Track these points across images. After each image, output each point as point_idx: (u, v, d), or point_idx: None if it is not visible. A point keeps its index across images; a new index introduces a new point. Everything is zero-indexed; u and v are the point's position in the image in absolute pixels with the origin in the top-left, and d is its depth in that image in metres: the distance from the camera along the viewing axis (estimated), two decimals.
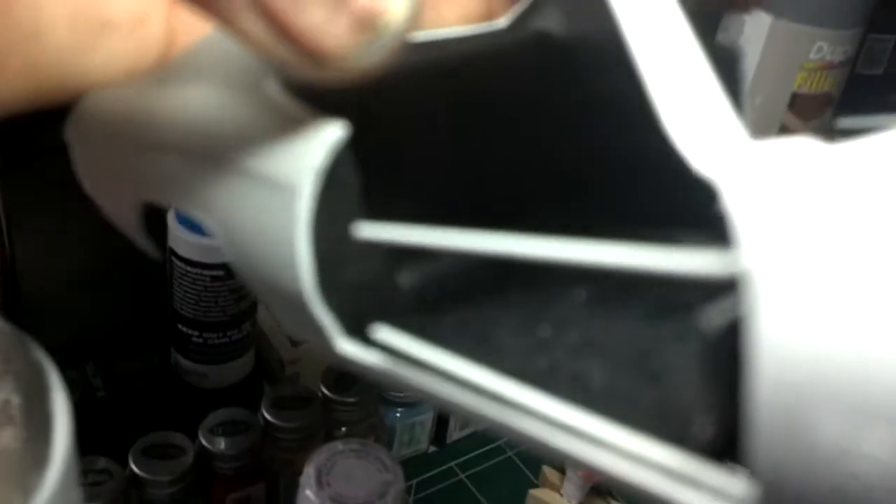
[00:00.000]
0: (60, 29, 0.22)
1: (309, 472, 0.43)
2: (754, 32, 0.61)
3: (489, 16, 0.28)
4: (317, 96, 0.22)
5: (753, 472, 0.15)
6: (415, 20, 0.19)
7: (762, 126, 0.63)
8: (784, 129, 0.63)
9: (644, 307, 0.22)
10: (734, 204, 0.13)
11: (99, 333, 0.54)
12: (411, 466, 0.57)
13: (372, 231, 0.22)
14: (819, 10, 0.60)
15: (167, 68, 0.26)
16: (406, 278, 0.25)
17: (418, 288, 0.24)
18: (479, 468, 0.58)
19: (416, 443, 0.59)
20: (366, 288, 0.23)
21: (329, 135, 0.21)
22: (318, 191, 0.21)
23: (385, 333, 0.22)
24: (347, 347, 0.22)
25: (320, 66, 0.19)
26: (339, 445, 0.44)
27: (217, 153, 0.24)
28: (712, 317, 0.15)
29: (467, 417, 0.20)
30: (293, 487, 0.44)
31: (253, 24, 0.18)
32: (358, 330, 0.23)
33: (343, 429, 0.52)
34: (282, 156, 0.22)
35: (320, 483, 0.42)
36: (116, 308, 0.54)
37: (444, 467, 0.58)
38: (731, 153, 0.13)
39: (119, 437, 0.47)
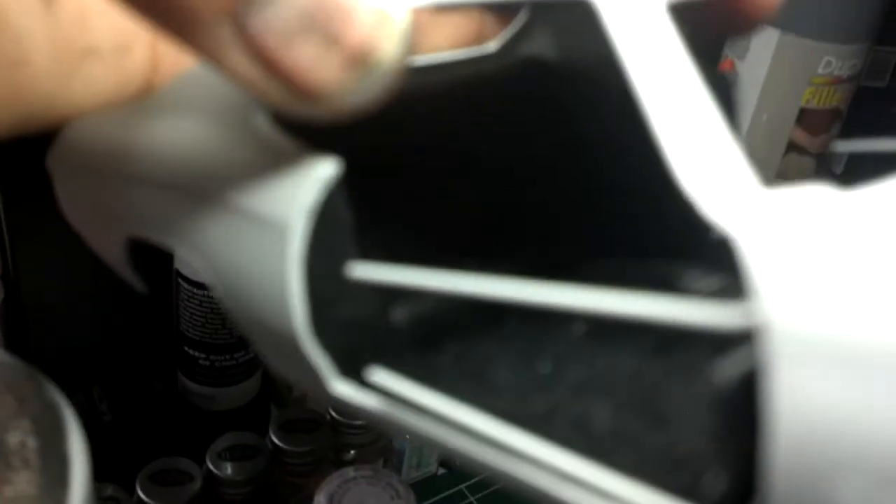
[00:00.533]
0: (43, 57, 0.21)
1: (320, 500, 0.42)
2: (761, 47, 0.61)
3: (480, 39, 0.28)
4: (307, 131, 0.21)
5: None
6: (408, 55, 0.18)
7: (770, 142, 0.62)
8: (792, 145, 0.62)
9: (649, 340, 0.21)
10: (750, 255, 0.12)
11: (104, 357, 0.53)
12: (421, 489, 0.56)
13: (365, 271, 0.21)
14: (827, 24, 0.60)
15: (152, 99, 0.25)
16: (400, 314, 0.24)
17: (413, 323, 0.23)
18: (488, 491, 0.57)
19: (425, 465, 0.58)
20: (360, 327, 0.22)
21: (321, 171, 0.20)
22: (309, 229, 0.20)
23: (380, 376, 0.21)
24: (342, 389, 0.21)
25: (311, 104, 0.18)
26: (350, 472, 0.44)
27: (204, 188, 0.23)
28: (725, 368, 0.15)
29: (466, 463, 0.19)
30: None
31: (240, 61, 0.17)
32: (352, 370, 0.22)
33: (352, 452, 0.52)
34: (273, 193, 0.21)
35: None
36: (122, 331, 0.54)
37: (453, 490, 0.58)
38: (745, 203, 0.13)
39: (126, 463, 0.46)
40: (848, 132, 0.64)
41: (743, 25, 0.25)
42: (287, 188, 0.21)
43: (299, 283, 0.20)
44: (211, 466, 0.47)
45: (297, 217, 0.20)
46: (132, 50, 0.22)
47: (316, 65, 0.17)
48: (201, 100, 0.20)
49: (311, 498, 0.43)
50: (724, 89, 0.26)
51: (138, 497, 0.45)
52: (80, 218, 0.28)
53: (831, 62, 0.60)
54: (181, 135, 0.24)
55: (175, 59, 0.24)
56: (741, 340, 0.13)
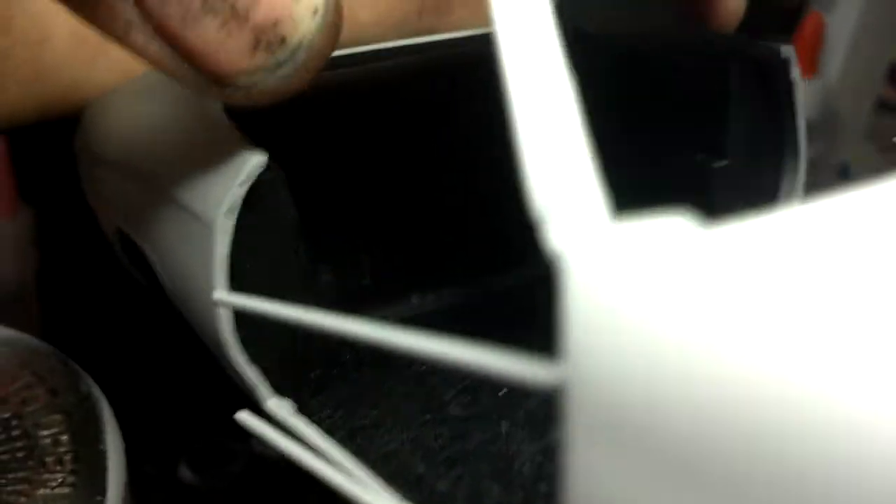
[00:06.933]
0: (64, 37, 0.21)
1: None
2: None
3: (404, 14, 0.27)
4: (249, 117, 0.19)
5: None
6: (327, 36, 0.17)
7: (858, 100, 0.58)
8: (882, 104, 0.58)
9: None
10: (567, 313, 0.11)
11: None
12: None
13: (229, 298, 0.19)
14: None
15: (137, 81, 0.24)
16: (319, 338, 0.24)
17: (333, 348, 0.23)
18: None
19: None
20: (283, 348, 0.21)
21: (249, 167, 0.19)
22: (231, 228, 0.19)
23: (276, 405, 0.21)
24: (275, 408, 0.21)
25: (224, 88, 0.17)
26: None
27: (156, 176, 0.22)
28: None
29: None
30: None
31: (148, 41, 0.16)
32: (284, 391, 0.21)
33: None
34: (204, 187, 0.20)
35: None
36: None
37: None
38: (585, 240, 0.11)
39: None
40: None
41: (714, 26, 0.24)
42: (216, 183, 0.19)
43: (225, 288, 0.19)
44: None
45: (220, 215, 0.19)
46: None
47: (223, 45, 0.16)
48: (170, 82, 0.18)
49: None
50: (780, 66, 0.25)
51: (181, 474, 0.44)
52: (94, 203, 0.27)
53: None
54: (146, 120, 0.23)
55: None
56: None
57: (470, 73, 0.23)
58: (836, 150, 0.58)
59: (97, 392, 0.23)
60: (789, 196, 0.26)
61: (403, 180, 0.26)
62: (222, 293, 0.19)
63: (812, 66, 0.54)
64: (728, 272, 0.10)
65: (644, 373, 0.10)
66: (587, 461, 0.11)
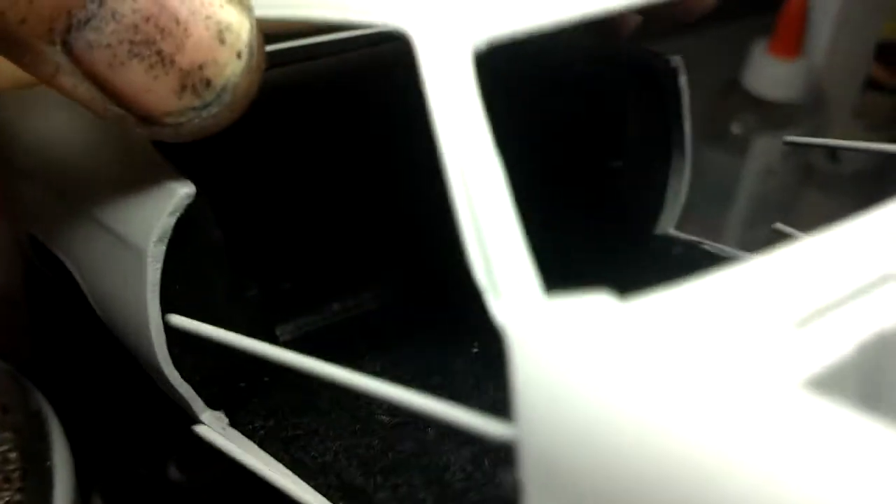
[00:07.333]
0: None
1: None
2: None
3: None
4: (174, 146, 0.19)
5: None
6: (251, 77, 0.17)
7: (846, 80, 0.57)
8: (870, 83, 0.57)
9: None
10: (514, 369, 0.13)
11: None
12: None
13: (178, 321, 0.20)
14: None
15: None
16: (286, 333, 0.25)
17: (295, 346, 0.23)
18: None
19: None
20: (214, 366, 0.21)
21: (177, 198, 0.19)
22: (161, 255, 0.19)
23: (210, 418, 0.21)
24: (209, 420, 0.21)
25: (153, 126, 0.17)
26: None
27: (77, 193, 0.22)
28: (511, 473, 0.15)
29: None
30: None
31: (76, 84, 0.16)
32: (219, 405, 0.22)
33: None
34: (131, 213, 0.20)
35: None
36: None
37: None
38: (523, 312, 0.13)
39: None
40: None
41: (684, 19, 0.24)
42: (146, 210, 0.20)
43: (157, 312, 0.20)
44: None
45: (151, 243, 0.19)
46: None
47: (150, 88, 0.16)
48: None
49: None
50: (669, 73, 0.26)
51: None
52: (3, 202, 0.27)
53: None
54: (61, 133, 0.23)
55: None
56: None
57: (380, 73, 0.24)
58: (824, 130, 0.57)
59: (47, 409, 0.24)
60: (677, 191, 0.28)
61: (321, 185, 0.26)
62: (155, 317, 0.20)
63: (797, 47, 0.53)
64: (640, 341, 0.12)
65: (579, 429, 0.12)
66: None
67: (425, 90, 0.16)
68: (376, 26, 0.17)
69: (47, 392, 0.24)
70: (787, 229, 0.26)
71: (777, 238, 0.26)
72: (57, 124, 0.23)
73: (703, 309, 0.13)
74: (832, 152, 0.58)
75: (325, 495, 0.20)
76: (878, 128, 0.57)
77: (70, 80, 0.16)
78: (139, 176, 0.20)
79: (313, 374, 0.17)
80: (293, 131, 0.25)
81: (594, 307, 0.13)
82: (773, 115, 0.55)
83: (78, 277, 0.22)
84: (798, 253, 0.14)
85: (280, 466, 0.20)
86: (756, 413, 0.11)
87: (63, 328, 0.27)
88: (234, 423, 0.22)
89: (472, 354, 0.24)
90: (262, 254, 0.24)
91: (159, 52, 0.16)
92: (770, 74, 0.54)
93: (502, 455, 0.19)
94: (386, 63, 0.23)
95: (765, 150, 0.55)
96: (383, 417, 0.22)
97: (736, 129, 0.55)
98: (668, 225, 0.29)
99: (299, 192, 0.25)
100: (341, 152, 0.26)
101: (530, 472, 0.13)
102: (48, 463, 0.23)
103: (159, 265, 0.20)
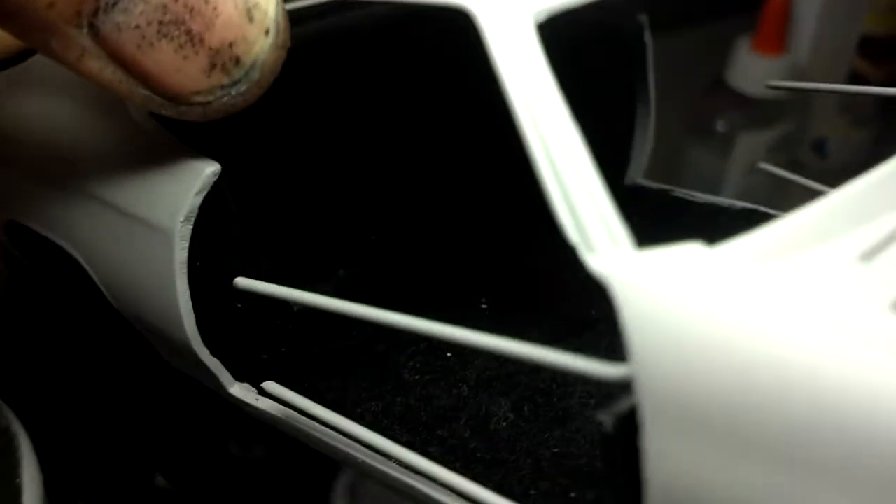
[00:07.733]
0: None
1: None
2: None
3: None
4: (189, 127, 0.20)
5: None
6: (278, 54, 0.17)
7: (831, 73, 0.57)
8: (854, 77, 0.57)
9: (548, 326, 0.23)
10: (627, 316, 0.14)
11: None
12: None
13: (248, 284, 0.20)
14: None
15: (26, 69, 0.24)
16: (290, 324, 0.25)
17: (314, 317, 0.23)
18: None
19: None
20: (249, 335, 0.22)
21: (205, 175, 0.20)
22: (189, 234, 0.20)
23: (273, 386, 0.22)
24: (239, 392, 0.22)
25: (180, 107, 0.17)
26: None
27: (78, 176, 0.22)
28: (610, 412, 0.15)
29: (362, 471, 0.20)
30: None
31: (102, 67, 0.16)
32: (247, 376, 0.22)
33: None
34: (155, 196, 0.20)
35: None
36: None
37: None
38: (623, 264, 0.14)
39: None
40: None
41: None
42: (169, 192, 0.20)
43: (186, 289, 0.20)
44: None
45: (179, 223, 0.20)
46: None
47: (180, 68, 0.16)
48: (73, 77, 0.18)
49: None
50: (632, 33, 0.27)
51: None
52: None
53: None
54: (48, 114, 0.23)
55: None
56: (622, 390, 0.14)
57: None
58: (810, 125, 0.57)
59: (16, 425, 0.24)
60: (644, 141, 0.29)
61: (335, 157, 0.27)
62: (184, 294, 0.20)
63: (780, 43, 0.53)
64: (738, 279, 0.13)
65: (697, 358, 0.13)
66: (658, 442, 0.14)
67: (495, 65, 0.16)
68: (436, 4, 0.18)
69: (16, 407, 0.24)
70: (773, 168, 0.29)
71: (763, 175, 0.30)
72: (43, 110, 0.23)
73: (781, 249, 0.14)
74: (819, 147, 0.58)
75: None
76: (862, 122, 0.57)
77: (96, 63, 0.16)
78: (155, 157, 0.20)
79: (398, 326, 0.17)
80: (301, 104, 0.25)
81: (690, 255, 0.14)
82: (758, 111, 0.54)
83: (83, 261, 0.22)
84: (844, 197, 0.16)
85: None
86: (856, 330, 0.12)
87: (44, 317, 0.27)
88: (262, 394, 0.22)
89: (481, 310, 0.26)
90: (275, 228, 0.24)
91: (188, 32, 0.16)
92: (754, 71, 0.54)
93: (541, 401, 0.21)
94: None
95: (750, 146, 0.55)
96: (414, 376, 0.23)
97: (721, 126, 0.55)
98: (636, 175, 0.30)
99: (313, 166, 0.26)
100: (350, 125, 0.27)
101: (649, 405, 0.14)
102: (17, 480, 0.22)
103: (186, 244, 0.20)
